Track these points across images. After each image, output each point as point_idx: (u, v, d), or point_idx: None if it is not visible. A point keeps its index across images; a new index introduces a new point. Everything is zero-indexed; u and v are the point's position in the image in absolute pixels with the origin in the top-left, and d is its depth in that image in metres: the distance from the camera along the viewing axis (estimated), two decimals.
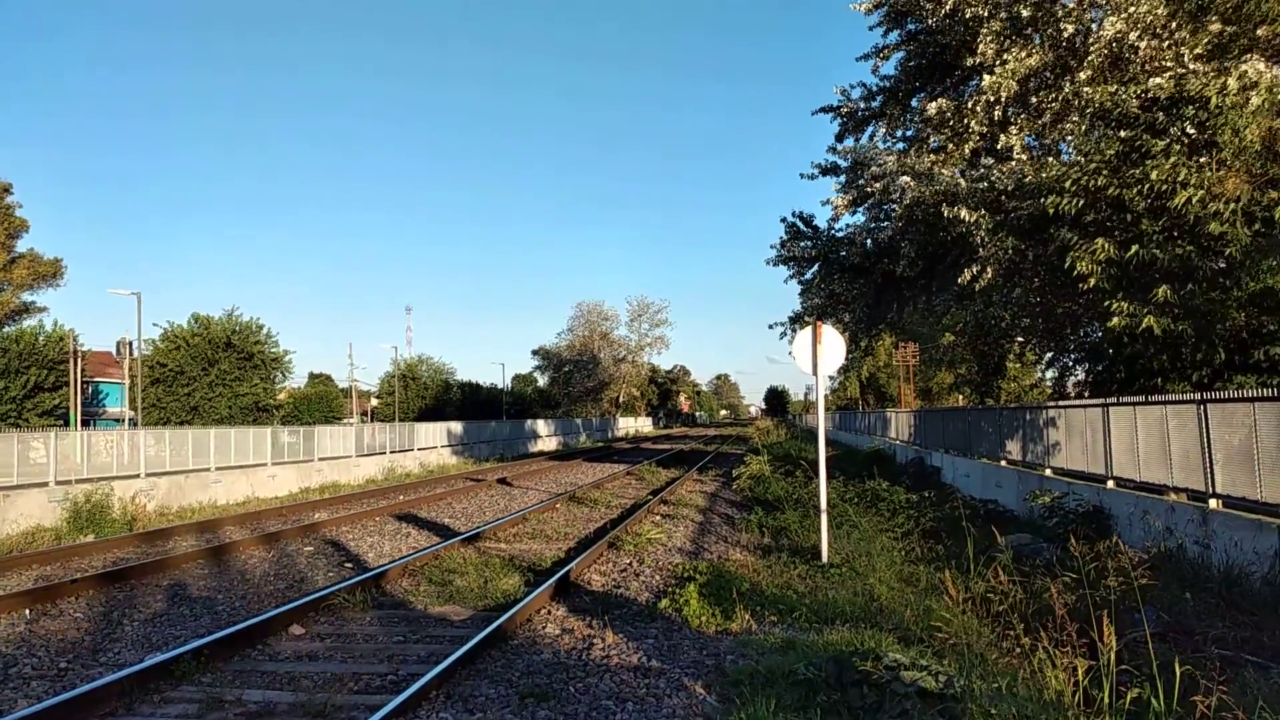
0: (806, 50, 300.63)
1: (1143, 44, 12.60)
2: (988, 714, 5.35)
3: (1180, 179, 11.02)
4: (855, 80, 20.56)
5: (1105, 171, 11.87)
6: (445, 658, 7.58)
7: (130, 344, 49.07)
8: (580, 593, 10.98)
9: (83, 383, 51.57)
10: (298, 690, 7.20)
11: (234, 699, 6.93)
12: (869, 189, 17.34)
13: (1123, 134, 12.12)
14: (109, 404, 63.21)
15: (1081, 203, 12.05)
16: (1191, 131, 11.70)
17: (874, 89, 18.54)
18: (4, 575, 12.78)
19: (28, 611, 10.16)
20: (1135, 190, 11.51)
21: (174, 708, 6.80)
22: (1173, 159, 11.12)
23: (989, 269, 14.11)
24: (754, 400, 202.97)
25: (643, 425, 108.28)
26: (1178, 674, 5.13)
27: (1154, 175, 11.09)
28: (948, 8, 14.87)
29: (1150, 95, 12.24)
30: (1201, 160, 11.34)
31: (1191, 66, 12.11)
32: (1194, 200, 10.92)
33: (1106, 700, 5.27)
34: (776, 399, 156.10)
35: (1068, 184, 12.01)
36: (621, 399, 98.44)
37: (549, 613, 9.84)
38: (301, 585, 11.96)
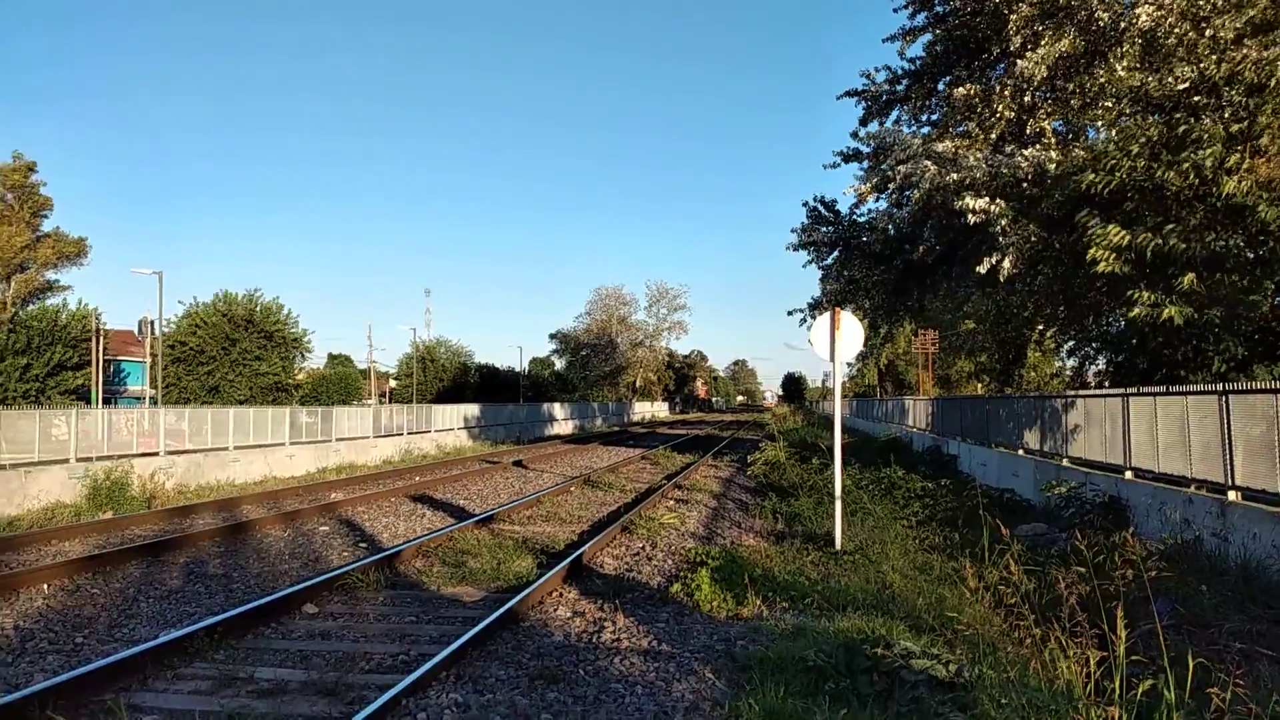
0: (829, 38, 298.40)
1: (1178, 29, 12.37)
2: (998, 703, 5.32)
3: (1228, 165, 10.91)
4: (879, 64, 20.30)
5: (1145, 155, 11.75)
6: (456, 639, 7.61)
7: (152, 323, 49.47)
8: (593, 576, 11.00)
9: (104, 361, 52.08)
10: (310, 668, 7.25)
11: (246, 676, 6.99)
12: (892, 174, 17.19)
13: (1168, 118, 11.99)
14: (130, 383, 63.77)
15: (1115, 183, 11.92)
16: (1227, 116, 11.55)
17: (899, 72, 18.36)
18: (23, 551, 12.93)
19: (45, 587, 10.28)
20: (1178, 174, 11.38)
21: (187, 684, 6.86)
22: (1218, 144, 11.00)
23: (1007, 259, 13.99)
24: (771, 386, 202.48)
25: (659, 410, 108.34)
26: (1190, 666, 5.07)
27: (1208, 162, 10.97)
28: None
29: (1193, 79, 12.07)
30: (1238, 149, 11.20)
31: (1229, 50, 11.89)
32: (1243, 186, 10.80)
33: (1117, 691, 5.22)
34: (794, 385, 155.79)
35: (1108, 163, 11.89)
36: (638, 383, 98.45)
37: (561, 595, 9.87)
38: (316, 564, 12.04)
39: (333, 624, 8.73)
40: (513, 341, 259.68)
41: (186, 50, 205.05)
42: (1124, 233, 11.54)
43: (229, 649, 7.76)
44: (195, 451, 23.21)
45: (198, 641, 7.66)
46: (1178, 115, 12.30)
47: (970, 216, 14.05)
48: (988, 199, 13.98)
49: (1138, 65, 12.91)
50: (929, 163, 15.31)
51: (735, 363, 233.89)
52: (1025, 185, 13.71)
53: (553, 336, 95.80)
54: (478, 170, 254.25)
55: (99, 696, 6.38)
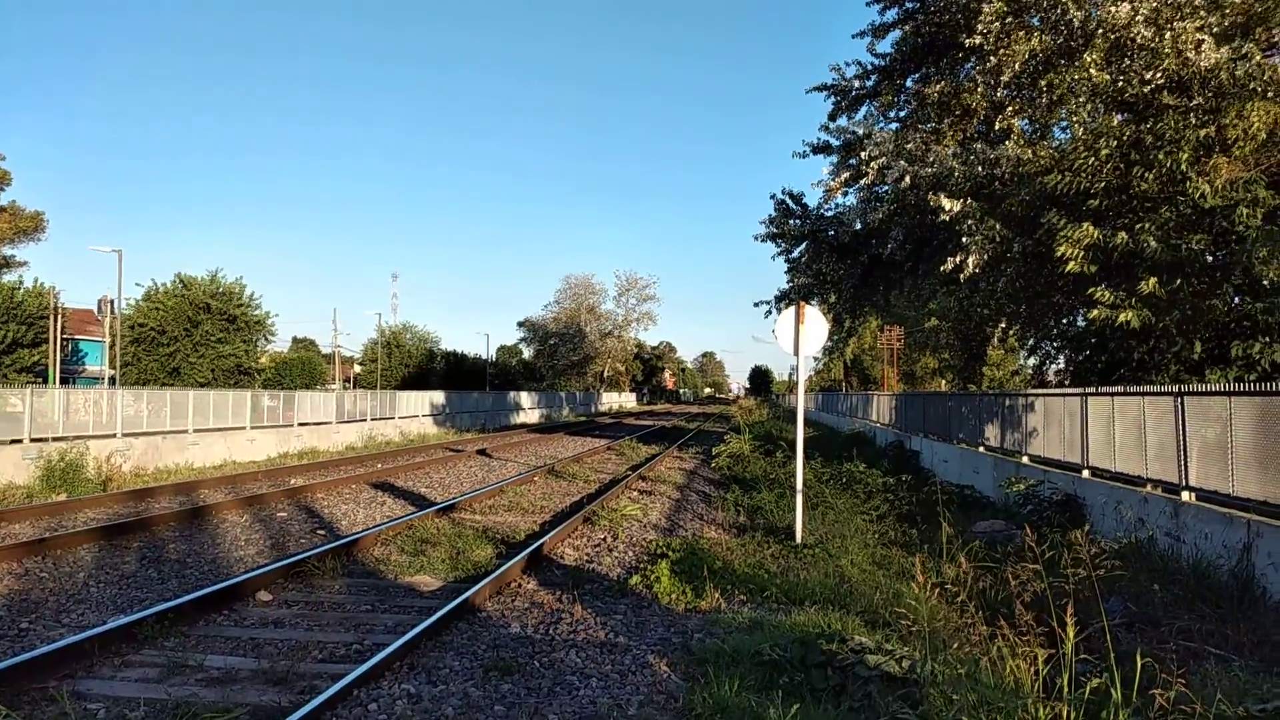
0: (799, 34, 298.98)
1: (1145, 32, 12.47)
2: (948, 699, 5.34)
3: (1199, 168, 11.10)
4: (851, 59, 20.31)
5: (1115, 155, 11.87)
6: (411, 628, 7.54)
7: (111, 302, 48.61)
8: (552, 566, 10.96)
9: (63, 340, 51.15)
10: (261, 657, 7.14)
11: (195, 664, 6.87)
12: (865, 169, 17.22)
13: (1137, 118, 12.13)
14: (89, 362, 62.71)
15: (1082, 184, 12.04)
16: (1194, 121, 11.70)
17: (869, 68, 18.39)
18: None
19: None
20: (1151, 175, 11.52)
21: (134, 671, 6.74)
22: (1189, 148, 11.16)
23: (972, 258, 14.08)
24: (739, 379, 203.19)
25: (627, 401, 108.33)
26: (1138, 665, 5.12)
27: (1183, 164, 11.12)
28: None
29: (1162, 81, 12.21)
30: (1206, 152, 11.40)
31: (1205, 52, 12.02)
32: (1214, 187, 10.99)
33: (1065, 689, 5.27)
34: (760, 378, 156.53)
35: (1076, 162, 11.99)
36: (606, 374, 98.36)
37: (519, 586, 9.81)
38: (273, 551, 11.89)
39: (286, 611, 8.63)
40: (480, 329, 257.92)
41: (151, 36, 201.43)
42: (1096, 231, 11.66)
43: (179, 636, 7.64)
44: (153, 434, 22.84)
45: (147, 628, 7.53)
46: (1148, 115, 12.44)
47: (942, 214, 14.12)
48: (959, 199, 14.05)
49: (1105, 64, 13.00)
50: (904, 162, 15.37)
51: (703, 355, 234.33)
52: (996, 184, 13.80)
53: (521, 324, 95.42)
54: (448, 158, 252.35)
55: (42, 684, 6.25)
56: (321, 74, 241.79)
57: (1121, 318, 11.51)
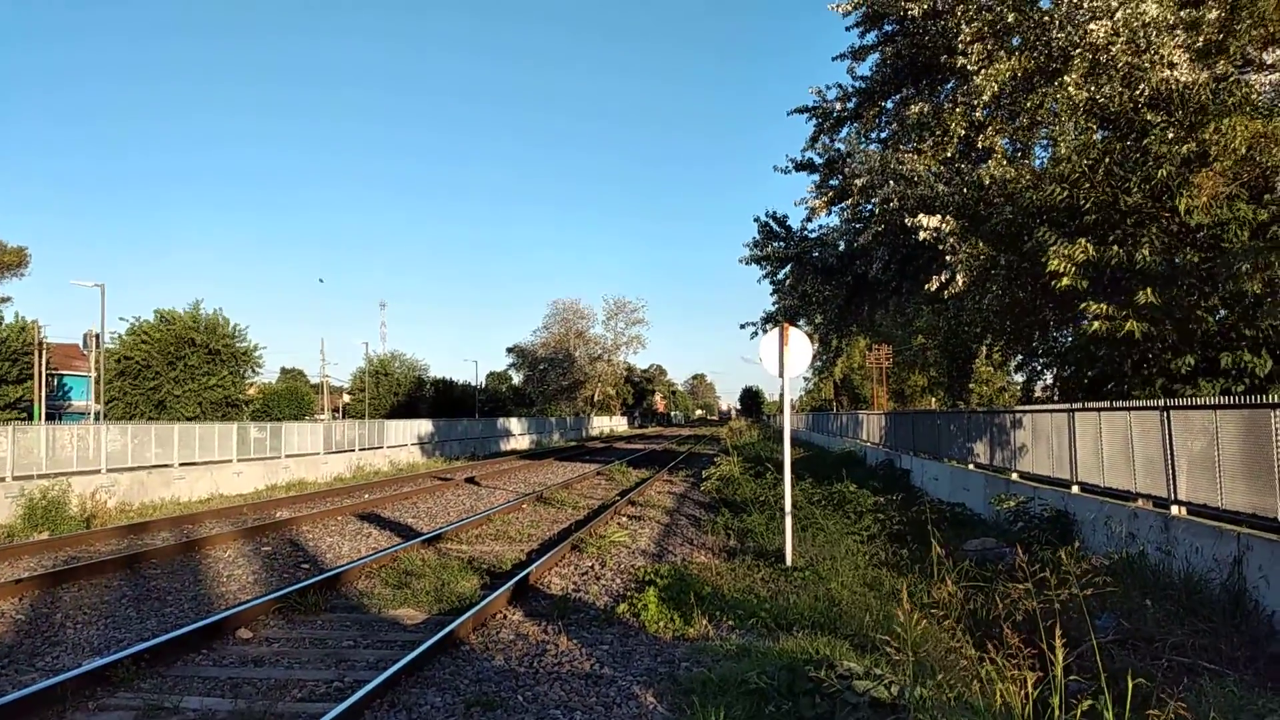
0: (780, 56, 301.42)
1: (1125, 50, 12.53)
2: None
3: (1182, 182, 11.16)
4: (831, 82, 20.53)
5: (1102, 170, 11.93)
6: (393, 664, 7.40)
7: (96, 336, 48.30)
8: (539, 596, 10.81)
9: (47, 375, 50.77)
10: (238, 697, 6.99)
11: (172, 706, 6.72)
12: (850, 187, 17.22)
13: (1121, 134, 12.19)
14: (74, 397, 62.26)
15: (1078, 197, 12.07)
16: (1171, 136, 11.76)
17: (850, 90, 18.46)
18: None
19: None
20: (1138, 191, 11.57)
21: (109, 715, 6.58)
22: (1173, 164, 11.22)
23: (960, 276, 14.07)
24: (730, 400, 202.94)
25: (618, 424, 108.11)
26: (1130, 685, 5.03)
27: (1173, 181, 11.18)
28: (925, 7, 14.81)
29: (1143, 97, 12.27)
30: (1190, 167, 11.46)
31: (1182, 70, 12.09)
32: (1198, 202, 11.03)
33: (1057, 712, 5.17)
34: (751, 399, 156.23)
35: (1070, 174, 12.04)
36: (597, 398, 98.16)
37: (504, 617, 9.66)
38: (255, 586, 11.71)
39: (267, 649, 8.46)
40: (469, 356, 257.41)
41: (133, 66, 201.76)
42: (1089, 247, 11.67)
43: (156, 677, 7.48)
44: (139, 469, 22.61)
45: (123, 670, 7.37)
46: (1130, 133, 12.50)
47: (922, 233, 14.11)
48: (939, 217, 14.05)
49: (1084, 83, 13.05)
50: (892, 183, 15.37)
51: (694, 377, 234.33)
52: (980, 204, 13.80)
53: (510, 350, 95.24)
54: (435, 188, 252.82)
55: None
56: (307, 102, 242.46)
57: (1126, 328, 11.51)
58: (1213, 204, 11.50)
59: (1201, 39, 12.17)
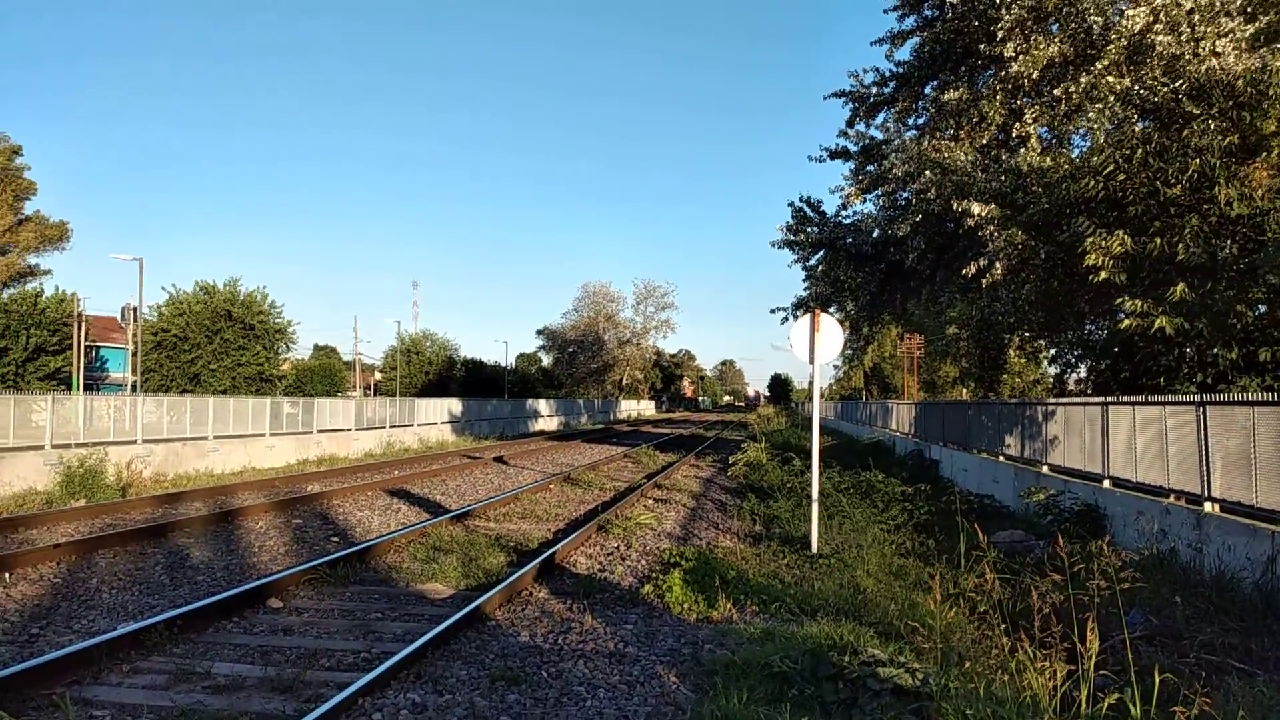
0: (816, 41, 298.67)
1: (1166, 37, 12.29)
2: (962, 714, 5.22)
3: (1227, 175, 10.94)
4: (869, 66, 20.26)
5: (1140, 160, 11.73)
6: (420, 636, 7.49)
7: (134, 310, 49.01)
8: (564, 575, 10.88)
9: (86, 347, 51.59)
10: (268, 665, 7.10)
11: (203, 671, 6.85)
12: (889, 174, 17.08)
13: (1161, 125, 11.98)
14: (112, 369, 63.25)
15: (1114, 190, 11.89)
16: (1212, 127, 11.52)
17: (887, 74, 18.30)
18: None
19: (7, 575, 10.09)
20: (1178, 183, 11.37)
21: (142, 678, 6.71)
22: (1215, 154, 11.01)
23: (999, 264, 13.92)
24: (758, 387, 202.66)
25: (645, 408, 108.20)
26: (1156, 680, 5.00)
27: (1217, 171, 10.99)
28: None
29: (1184, 87, 12.02)
30: (1234, 158, 11.25)
31: (1228, 59, 11.83)
32: (1247, 192, 10.83)
33: (1083, 705, 5.14)
34: (780, 386, 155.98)
35: (1105, 166, 11.85)
36: (624, 381, 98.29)
37: (530, 594, 9.74)
38: (285, 558, 11.88)
39: (296, 619, 8.59)
40: (499, 337, 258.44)
41: (173, 47, 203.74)
42: (1127, 239, 11.49)
43: (188, 643, 7.62)
44: (174, 440, 22.97)
45: (156, 635, 7.51)
46: (1171, 123, 12.27)
47: (969, 220, 13.96)
48: (981, 203, 13.90)
49: (1123, 71, 12.84)
50: (930, 172, 15.21)
51: (723, 363, 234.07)
52: (1019, 193, 13.63)
53: (540, 332, 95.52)
54: (468, 168, 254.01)
55: (48, 691, 6.23)
56: (343, 82, 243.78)
57: (1157, 324, 11.33)
58: (1265, 196, 11.28)
59: (1253, 27, 11.87)
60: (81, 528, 13.86)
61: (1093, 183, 12.08)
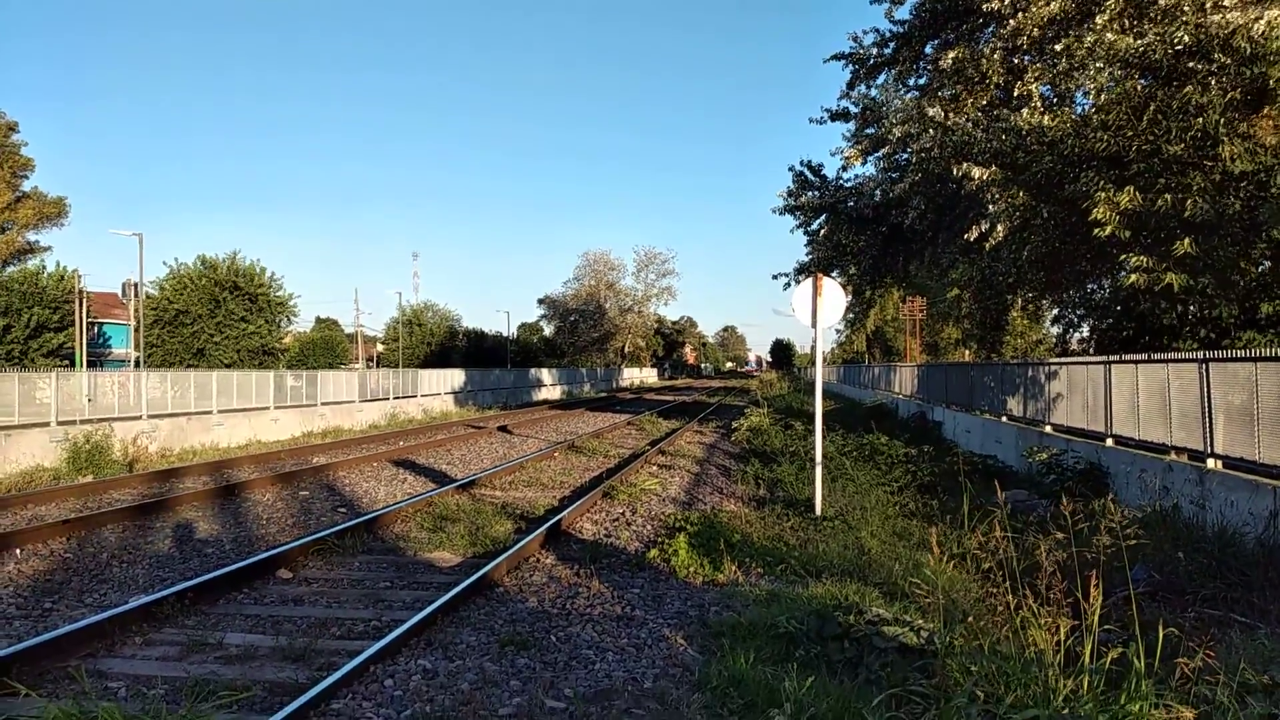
0: (811, 6, 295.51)
1: None
2: (967, 670, 5.28)
3: (1229, 131, 10.85)
4: (867, 27, 20.11)
5: (1145, 117, 11.63)
6: (429, 604, 7.56)
7: (135, 285, 48.99)
8: (570, 541, 10.96)
9: (88, 323, 51.64)
10: (280, 634, 7.18)
11: (215, 642, 6.92)
12: (888, 135, 16.93)
13: (1163, 82, 11.86)
14: (114, 345, 63.32)
15: (1112, 145, 11.81)
16: (1213, 85, 11.41)
17: (887, 35, 18.06)
18: None
19: (19, 551, 10.17)
20: (1178, 139, 11.29)
21: (155, 650, 6.79)
22: (1217, 112, 10.91)
23: (1000, 226, 13.85)
24: (760, 352, 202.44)
25: (647, 376, 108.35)
26: (1160, 635, 5.04)
27: (1219, 127, 10.89)
28: None
29: (1187, 43, 11.88)
30: (1236, 114, 11.14)
31: (1232, 13, 11.67)
32: (1249, 149, 10.74)
33: (1087, 659, 5.19)
34: (782, 352, 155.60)
35: (1114, 122, 11.75)
36: (627, 349, 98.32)
37: (537, 560, 9.82)
38: (293, 529, 11.96)
39: (306, 589, 8.67)
40: (501, 306, 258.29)
41: (173, 20, 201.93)
42: (1137, 195, 11.41)
43: (200, 615, 7.70)
44: (179, 415, 23.05)
45: (168, 607, 7.59)
46: (1172, 80, 12.14)
47: (970, 184, 13.87)
48: (982, 166, 13.79)
49: (1122, 28, 12.68)
50: (931, 132, 15.07)
51: (725, 329, 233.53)
52: (1019, 152, 13.52)
53: (541, 302, 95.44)
54: (465, 137, 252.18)
55: (62, 663, 6.30)
56: (340, 53, 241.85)
57: (1165, 280, 11.30)
58: (1271, 151, 11.20)
59: None
60: (90, 503, 13.94)
61: (1101, 137, 11.99)
